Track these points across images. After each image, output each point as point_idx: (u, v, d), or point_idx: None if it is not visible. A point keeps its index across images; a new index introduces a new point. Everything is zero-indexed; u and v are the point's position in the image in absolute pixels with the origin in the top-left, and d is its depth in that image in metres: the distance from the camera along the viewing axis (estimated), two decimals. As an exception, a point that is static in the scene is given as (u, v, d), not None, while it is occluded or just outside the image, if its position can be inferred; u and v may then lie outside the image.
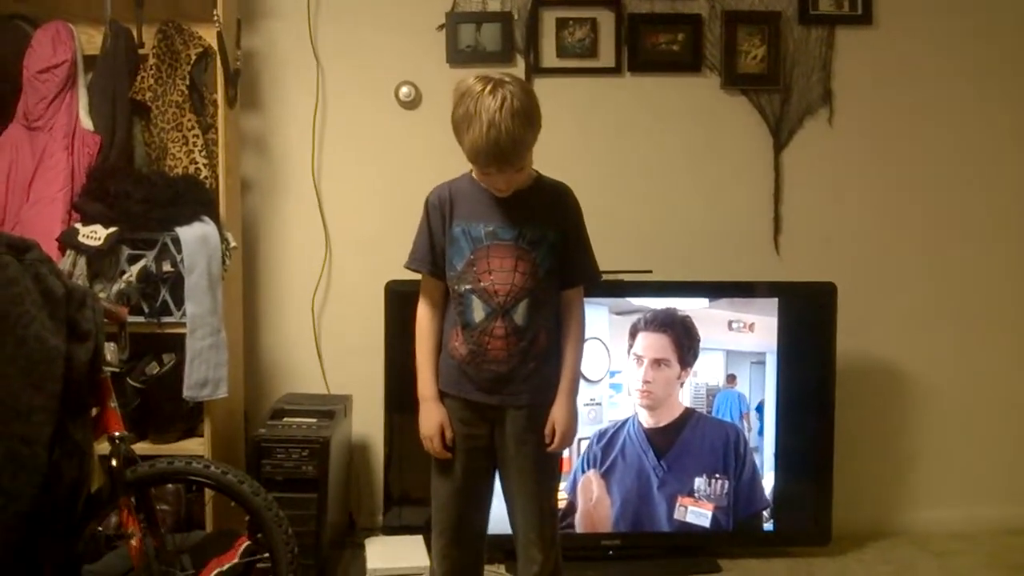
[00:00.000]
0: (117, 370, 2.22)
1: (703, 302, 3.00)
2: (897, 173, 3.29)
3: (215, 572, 2.32)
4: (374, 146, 3.21)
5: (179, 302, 2.71)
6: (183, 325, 2.70)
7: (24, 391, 1.93)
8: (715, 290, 3.02)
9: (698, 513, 2.97)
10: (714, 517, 2.97)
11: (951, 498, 3.34)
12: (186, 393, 2.70)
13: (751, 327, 3.02)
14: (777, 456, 3.00)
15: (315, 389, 3.16)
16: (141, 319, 2.68)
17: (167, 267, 2.71)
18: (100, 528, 2.21)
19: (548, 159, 3.27)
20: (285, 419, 2.78)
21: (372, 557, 2.69)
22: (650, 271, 3.03)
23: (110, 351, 2.17)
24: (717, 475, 2.98)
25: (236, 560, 2.38)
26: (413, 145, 3.21)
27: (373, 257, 3.17)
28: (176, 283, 2.71)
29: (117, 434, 2.11)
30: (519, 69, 3.19)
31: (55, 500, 1.98)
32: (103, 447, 2.15)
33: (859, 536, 3.17)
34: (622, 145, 3.26)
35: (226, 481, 2.18)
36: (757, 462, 3.00)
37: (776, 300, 3.00)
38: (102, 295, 2.57)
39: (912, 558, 3.08)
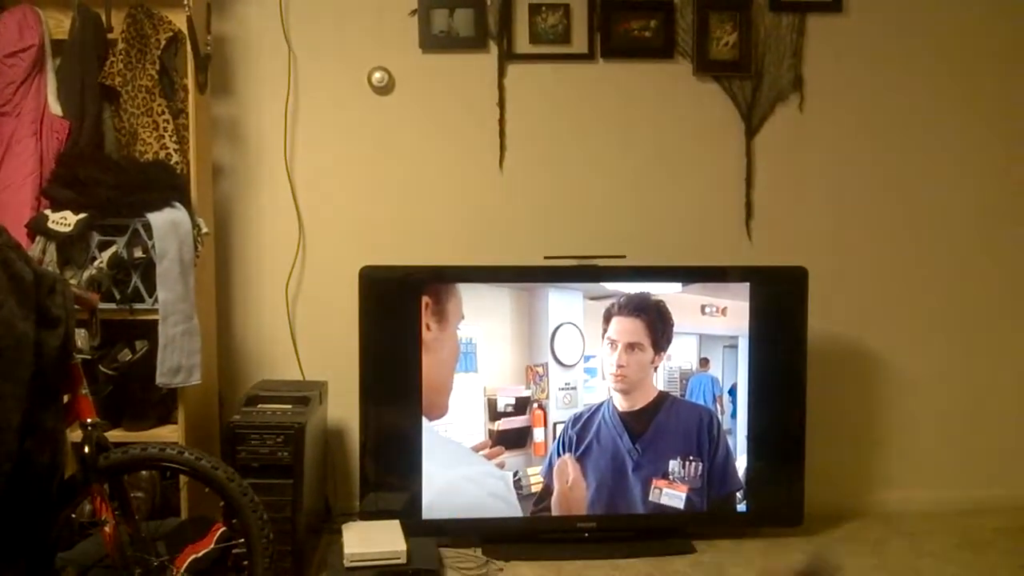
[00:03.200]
0: (88, 357, 2.20)
1: (676, 287, 3.02)
2: (867, 159, 3.33)
3: (190, 558, 2.32)
4: (347, 132, 3.20)
5: (151, 288, 2.69)
6: (155, 312, 2.68)
7: (-9, 379, 1.90)
8: (688, 275, 3.04)
9: (672, 495, 3.00)
10: (688, 499, 3.00)
11: (921, 479, 3.40)
12: (159, 380, 2.68)
13: (724, 311, 3.05)
14: (750, 438, 3.04)
15: (290, 375, 3.15)
16: (112, 306, 2.65)
17: (138, 253, 2.69)
18: (73, 515, 2.19)
19: (521, 145, 3.31)
20: (260, 405, 2.76)
21: (349, 542, 2.68)
22: (623, 256, 3.04)
23: (81, 337, 2.16)
24: (691, 457, 3.01)
25: (212, 546, 2.38)
26: (386, 131, 3.20)
27: (347, 243, 3.17)
28: (148, 269, 2.69)
29: (89, 421, 2.09)
30: (492, 55, 3.19)
31: (27, 487, 1.97)
32: (76, 435, 2.13)
33: (831, 516, 3.21)
34: (595, 131, 3.27)
35: (200, 467, 2.16)
36: (730, 444, 3.04)
37: (748, 284, 3.03)
38: (72, 282, 2.54)
39: (883, 537, 3.12)
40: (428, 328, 2.89)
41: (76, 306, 2.15)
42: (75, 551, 2.21)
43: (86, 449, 2.07)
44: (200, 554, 2.36)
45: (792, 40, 3.28)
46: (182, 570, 2.26)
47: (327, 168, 3.20)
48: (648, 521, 3.02)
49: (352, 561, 2.62)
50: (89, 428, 2.09)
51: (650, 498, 2.99)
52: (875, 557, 2.95)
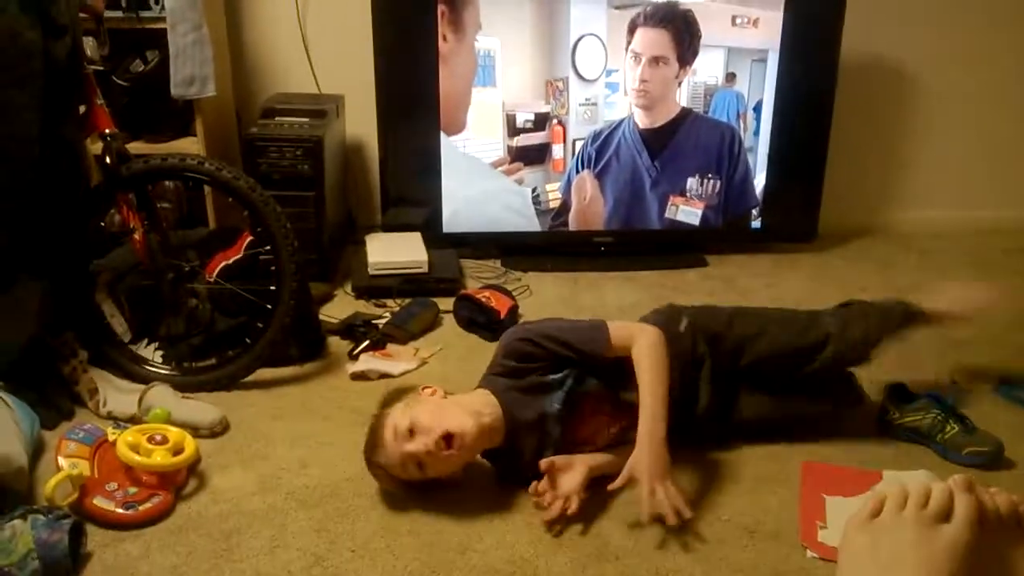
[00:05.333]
0: (100, 68, 2.16)
1: (707, -5, 2.86)
2: None
3: (221, 264, 2.41)
4: None
5: (156, -5, 2.59)
6: (163, 20, 2.60)
7: (4, 89, 1.89)
8: (720, -18, 2.87)
9: (688, 212, 3.03)
10: (704, 215, 3.04)
11: (941, 199, 3.40)
12: (174, 91, 2.65)
13: (755, 23, 2.90)
14: (771, 156, 3.01)
15: (305, 89, 3.10)
16: (119, 13, 2.57)
17: (138, -43, 2.55)
18: (103, 224, 2.27)
19: None
20: (277, 118, 2.75)
21: (373, 251, 2.78)
22: (652, -41, 2.85)
23: (90, 46, 2.10)
24: (710, 175, 3.01)
25: (241, 254, 2.46)
26: None
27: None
28: (150, -25, 2.57)
29: (107, 131, 2.10)
30: None
31: (52, 195, 2.02)
32: (96, 147, 2.14)
33: (844, 235, 3.26)
34: None
35: (221, 176, 2.17)
36: (750, 162, 3.02)
37: (784, -7, 2.86)
38: (74, -12, 2.43)
39: (892, 255, 3.19)
40: (444, 39, 2.79)
41: (82, 14, 2.08)
42: (109, 258, 2.30)
43: (107, 159, 2.09)
44: (230, 261, 2.45)
45: None
46: (214, 275, 2.36)
47: None
48: (663, 236, 3.08)
49: (376, 269, 2.73)
50: (108, 139, 2.10)
51: (666, 215, 3.03)
52: (881, 272, 3.03)
